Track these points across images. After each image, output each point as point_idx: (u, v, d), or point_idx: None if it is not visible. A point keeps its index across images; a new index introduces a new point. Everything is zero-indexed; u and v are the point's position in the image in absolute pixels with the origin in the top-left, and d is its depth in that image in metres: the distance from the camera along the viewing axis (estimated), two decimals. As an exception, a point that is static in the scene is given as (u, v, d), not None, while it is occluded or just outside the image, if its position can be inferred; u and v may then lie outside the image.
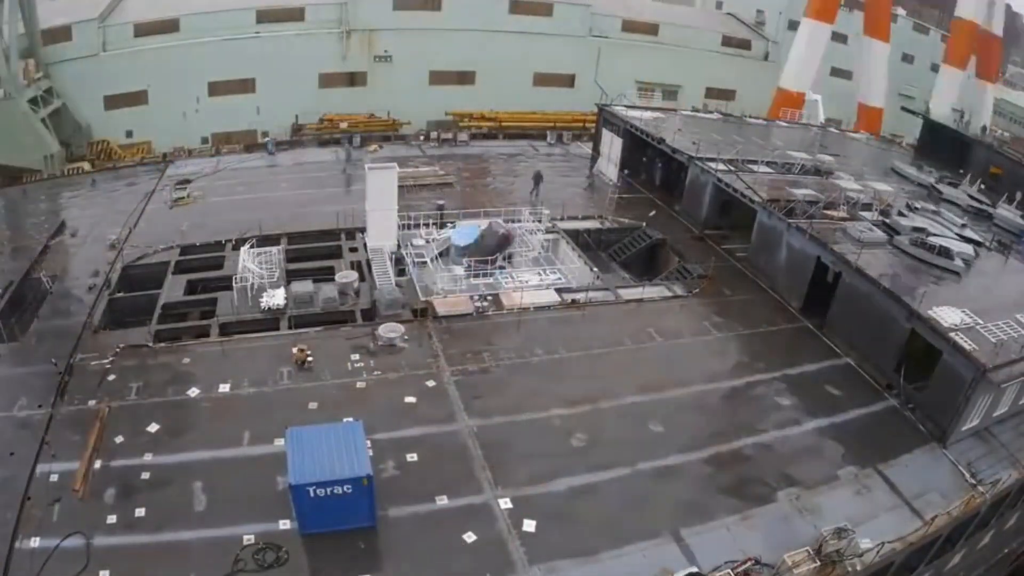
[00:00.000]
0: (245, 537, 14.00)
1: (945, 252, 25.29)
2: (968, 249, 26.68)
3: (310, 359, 19.50)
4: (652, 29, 58.19)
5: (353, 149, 39.44)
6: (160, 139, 45.08)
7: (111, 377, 18.81)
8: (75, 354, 19.64)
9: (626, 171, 38.18)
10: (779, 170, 34.54)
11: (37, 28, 42.28)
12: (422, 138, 44.43)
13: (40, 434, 16.41)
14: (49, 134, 40.92)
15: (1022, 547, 25.15)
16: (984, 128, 52.58)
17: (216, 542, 13.87)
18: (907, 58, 66.56)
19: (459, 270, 25.90)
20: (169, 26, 46.71)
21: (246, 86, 47.86)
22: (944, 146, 42.93)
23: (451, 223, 28.88)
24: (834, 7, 51.37)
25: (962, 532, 18.93)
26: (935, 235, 26.96)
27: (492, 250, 25.95)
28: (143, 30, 46.05)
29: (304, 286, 23.41)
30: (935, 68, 67.37)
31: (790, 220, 26.81)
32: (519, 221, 29.06)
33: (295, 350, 19.61)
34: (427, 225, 28.98)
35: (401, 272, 25.88)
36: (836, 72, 63.95)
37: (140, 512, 14.47)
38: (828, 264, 24.47)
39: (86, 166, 38.86)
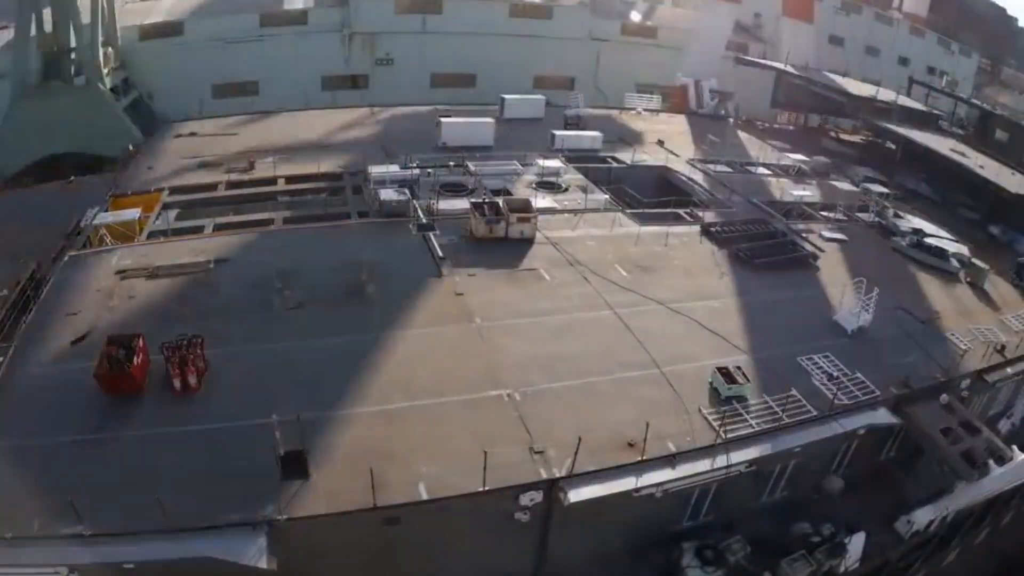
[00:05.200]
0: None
1: (940, 253, 25.61)
2: (964, 249, 26.97)
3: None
4: (651, 32, 58.59)
5: None
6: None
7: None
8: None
9: None
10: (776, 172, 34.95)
11: (115, 16, 42.09)
12: None
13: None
14: (131, 123, 40.40)
15: (1017, 544, 25.43)
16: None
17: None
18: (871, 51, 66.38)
19: None
20: (173, 29, 47.14)
21: (249, 88, 48.20)
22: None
23: None
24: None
25: (957, 530, 19.25)
26: (931, 235, 27.34)
27: None
28: (147, 33, 46.48)
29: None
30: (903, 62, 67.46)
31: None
32: None
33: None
34: None
35: None
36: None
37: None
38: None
39: None
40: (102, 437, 14.33)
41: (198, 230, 24.62)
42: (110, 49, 41.86)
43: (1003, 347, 20.52)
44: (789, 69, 47.35)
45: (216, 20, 47.86)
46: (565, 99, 43.09)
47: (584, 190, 29.45)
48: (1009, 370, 20.09)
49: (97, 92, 39.07)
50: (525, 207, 24.67)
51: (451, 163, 31.07)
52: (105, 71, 40.31)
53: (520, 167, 31.31)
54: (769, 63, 50.38)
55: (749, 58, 53.08)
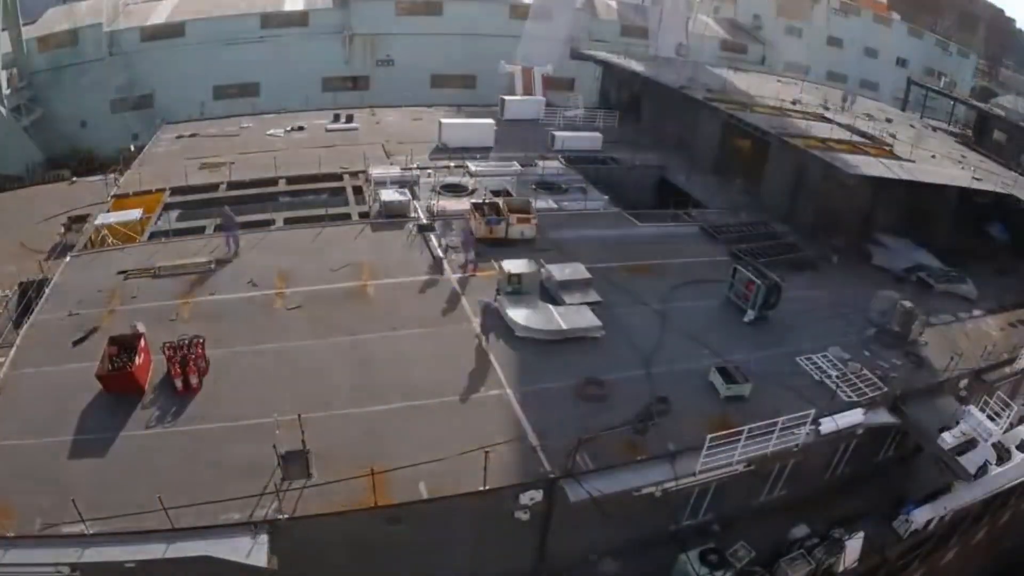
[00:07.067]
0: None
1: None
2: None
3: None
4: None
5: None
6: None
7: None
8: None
9: None
10: None
11: (20, 38, 42.94)
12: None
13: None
14: (31, 142, 41.57)
15: (1016, 543, 25.49)
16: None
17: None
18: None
19: None
20: (175, 31, 47.31)
21: (250, 90, 48.35)
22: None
23: None
24: None
25: (955, 529, 19.32)
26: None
27: None
28: (149, 34, 46.63)
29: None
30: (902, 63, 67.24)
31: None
32: None
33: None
34: None
35: None
36: (832, 76, 64.32)
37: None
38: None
39: (66, 173, 39.31)
40: (103, 436, 14.40)
41: (199, 230, 24.71)
42: (14, 70, 42.75)
43: None
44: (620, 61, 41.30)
45: (217, 22, 48.03)
46: (565, 100, 43.21)
47: (584, 191, 29.57)
48: (1007, 370, 20.17)
49: None
50: (525, 208, 24.78)
51: (451, 163, 31.21)
52: (8, 91, 41.33)
53: (520, 168, 31.44)
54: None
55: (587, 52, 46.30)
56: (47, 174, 39.20)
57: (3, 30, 41.17)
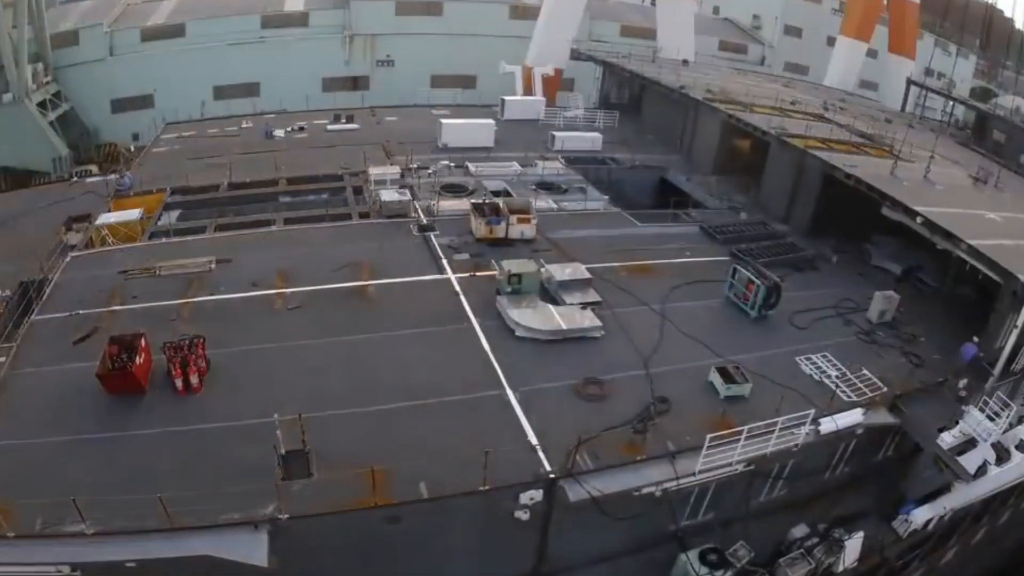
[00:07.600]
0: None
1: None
2: None
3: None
4: (650, 34, 58.68)
5: None
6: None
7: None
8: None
9: None
10: None
11: (46, 33, 43.00)
12: None
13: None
14: (57, 137, 41.61)
15: (1015, 543, 25.50)
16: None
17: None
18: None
19: None
20: (175, 31, 47.36)
21: (250, 90, 48.38)
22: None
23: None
24: None
25: (955, 528, 19.33)
26: None
27: None
28: (150, 35, 46.67)
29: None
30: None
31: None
32: None
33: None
34: None
35: None
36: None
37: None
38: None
39: (94, 168, 39.49)
40: (103, 436, 14.40)
41: (200, 230, 24.73)
42: (40, 65, 42.94)
43: None
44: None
45: (218, 22, 48.09)
46: (565, 100, 43.22)
47: (584, 191, 29.59)
48: (1007, 370, 20.15)
49: (23, 109, 40.19)
50: (525, 208, 24.80)
51: (451, 164, 31.20)
52: (34, 87, 41.54)
53: (520, 168, 31.46)
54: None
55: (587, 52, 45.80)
56: (74, 170, 39.30)
57: (28, 23, 41.20)
